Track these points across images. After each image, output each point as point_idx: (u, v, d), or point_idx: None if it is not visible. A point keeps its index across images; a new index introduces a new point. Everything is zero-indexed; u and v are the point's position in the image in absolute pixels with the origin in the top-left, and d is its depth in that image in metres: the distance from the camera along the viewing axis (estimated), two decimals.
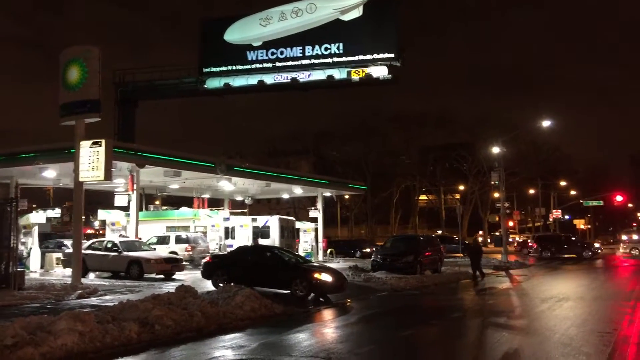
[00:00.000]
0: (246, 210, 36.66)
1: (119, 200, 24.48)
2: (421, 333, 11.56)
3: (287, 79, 34.53)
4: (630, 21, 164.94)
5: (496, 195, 55.17)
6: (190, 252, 25.62)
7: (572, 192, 76.68)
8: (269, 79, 34.89)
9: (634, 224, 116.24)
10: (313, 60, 34.29)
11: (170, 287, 15.57)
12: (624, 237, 56.88)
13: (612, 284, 22.57)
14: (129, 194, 23.35)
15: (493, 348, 9.56)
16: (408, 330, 11.61)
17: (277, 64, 34.71)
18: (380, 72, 32.94)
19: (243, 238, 30.14)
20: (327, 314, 13.87)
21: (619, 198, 61.30)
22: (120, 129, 34.97)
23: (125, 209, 25.74)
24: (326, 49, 34.00)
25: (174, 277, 20.79)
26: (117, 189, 25.19)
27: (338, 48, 33.79)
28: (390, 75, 32.96)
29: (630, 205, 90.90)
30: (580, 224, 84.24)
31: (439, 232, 62.95)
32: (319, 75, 34.12)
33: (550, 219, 68.58)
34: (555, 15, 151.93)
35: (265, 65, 34.82)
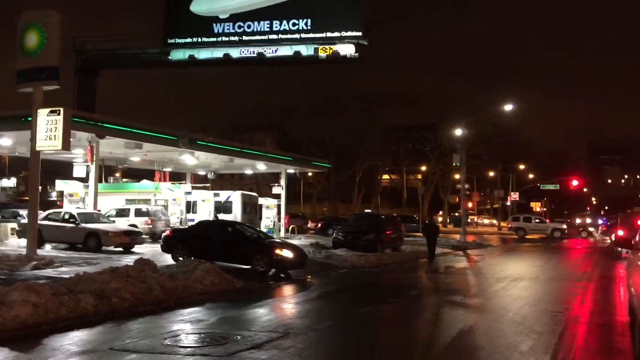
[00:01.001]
0: (209, 184, 36.35)
1: (78, 171, 23.96)
2: (379, 310, 11.74)
3: (253, 53, 34.11)
4: (595, 11, 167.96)
5: (457, 176, 56.09)
6: (151, 226, 25.31)
7: (531, 176, 78.49)
8: (235, 52, 34.39)
9: (589, 208, 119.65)
10: (280, 36, 33.92)
11: (128, 260, 15.37)
12: (578, 220, 59.01)
13: (565, 265, 23.30)
14: (88, 165, 22.85)
15: (448, 325, 9.77)
16: (366, 307, 11.77)
17: (244, 37, 34.20)
18: (347, 50, 32.82)
19: (205, 213, 29.91)
20: (288, 289, 13.95)
21: (574, 183, 62.92)
22: (80, 99, 34.04)
23: (84, 180, 25.22)
24: (294, 24, 33.65)
25: (133, 250, 20.50)
26: (76, 160, 24.63)
27: (306, 24, 33.47)
28: (357, 54, 32.89)
29: (585, 190, 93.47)
30: (536, 206, 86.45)
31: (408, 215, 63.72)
32: (286, 50, 33.81)
33: (509, 201, 70.08)
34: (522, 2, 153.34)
35: (232, 38, 34.28)
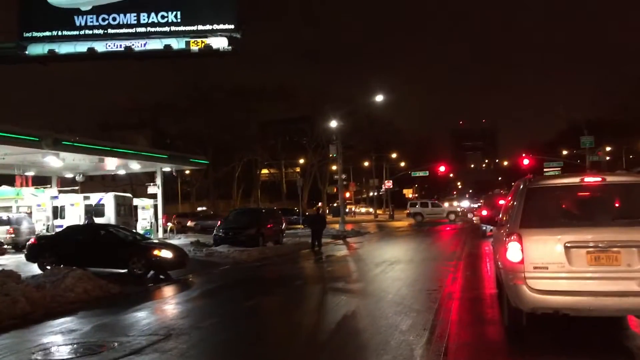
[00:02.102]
0: (77, 187, 34.25)
1: None
2: (264, 302, 11.69)
3: (120, 47, 32.25)
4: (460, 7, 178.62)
5: (334, 167, 57.43)
6: (13, 235, 23.41)
7: (402, 164, 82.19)
8: (100, 46, 32.33)
9: (454, 192, 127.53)
10: (149, 29, 32.40)
11: None
12: (446, 204, 62.73)
13: (437, 247, 24.62)
14: None
15: (333, 311, 9.94)
16: (251, 301, 11.67)
17: (109, 30, 32.29)
18: (220, 43, 32.03)
19: (74, 217, 28.11)
20: (168, 290, 13.48)
21: (442, 169, 66.80)
22: None
23: None
24: (163, 17, 32.28)
25: None
26: None
27: (176, 17, 32.25)
28: (230, 47, 32.18)
29: (451, 175, 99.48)
30: (408, 193, 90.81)
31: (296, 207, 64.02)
32: (155, 44, 32.35)
33: (383, 189, 72.90)
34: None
35: (96, 31, 32.22)
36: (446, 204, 63.11)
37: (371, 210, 77.43)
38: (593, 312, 6.62)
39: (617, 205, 7.30)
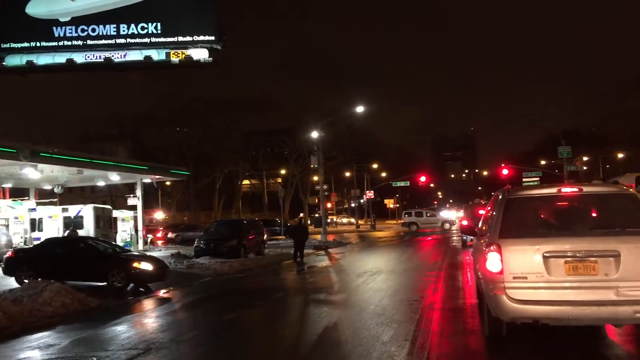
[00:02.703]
0: (56, 199, 33.82)
1: None
2: (245, 315, 11.62)
3: (100, 58, 32.02)
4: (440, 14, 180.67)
5: (315, 178, 57.40)
6: None
7: (383, 174, 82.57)
8: (79, 57, 31.97)
9: (435, 202, 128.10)
10: (129, 40, 32.16)
11: None
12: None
13: (418, 257, 24.69)
14: None
15: (315, 323, 9.91)
16: (232, 313, 11.60)
17: (89, 42, 31.96)
18: (201, 54, 31.88)
19: (53, 230, 27.76)
20: (148, 303, 13.34)
21: (422, 179, 67.21)
22: None
23: None
24: (143, 28, 32.12)
25: None
26: None
27: (156, 28, 32.07)
28: (211, 58, 32.06)
29: (432, 185, 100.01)
30: (390, 203, 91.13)
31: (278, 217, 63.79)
32: (135, 55, 32.10)
33: (364, 199, 73.06)
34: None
35: (75, 42, 31.87)
36: (441, 214, 63.29)
37: (353, 220, 77.52)
38: (572, 322, 6.69)
39: (594, 215, 7.41)
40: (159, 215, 54.60)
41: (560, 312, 6.57)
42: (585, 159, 58.81)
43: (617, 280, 6.49)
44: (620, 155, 63.56)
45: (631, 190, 7.66)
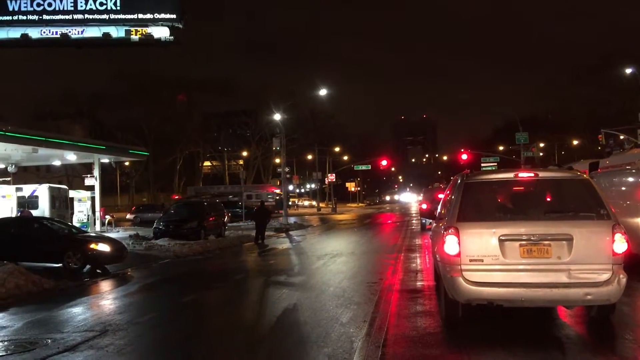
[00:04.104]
0: (9, 179, 32.83)
1: None
2: (204, 297, 11.57)
3: (56, 34, 31.18)
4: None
5: (277, 160, 57.25)
6: None
7: (345, 158, 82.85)
8: (34, 33, 31.05)
9: (396, 186, 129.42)
10: (87, 16, 31.37)
11: None
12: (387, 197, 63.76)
13: (378, 239, 24.95)
14: None
15: (274, 305, 9.93)
16: (191, 295, 11.53)
17: (45, 17, 31.04)
18: (161, 32, 31.41)
19: (6, 210, 26.92)
20: (105, 285, 13.14)
21: (384, 162, 67.78)
22: None
23: None
24: (101, 4, 31.34)
25: None
26: None
27: (115, 4, 31.34)
28: (172, 37, 31.59)
29: (393, 169, 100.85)
30: (351, 186, 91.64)
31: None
32: (93, 32, 31.37)
33: (326, 182, 73.29)
34: None
35: (31, 17, 30.91)
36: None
37: (314, 203, 77.75)
38: (525, 303, 6.88)
39: (548, 199, 7.59)
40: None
41: (514, 294, 6.74)
42: (541, 145, 60.09)
43: (569, 263, 6.69)
44: (575, 142, 65.34)
45: (585, 176, 7.87)
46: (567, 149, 68.99)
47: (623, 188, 13.07)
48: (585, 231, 6.80)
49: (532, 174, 7.51)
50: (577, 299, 6.75)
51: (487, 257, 6.83)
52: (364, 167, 72.29)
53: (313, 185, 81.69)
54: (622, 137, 39.35)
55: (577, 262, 6.68)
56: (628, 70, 40.30)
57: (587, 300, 6.74)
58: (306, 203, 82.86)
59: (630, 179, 12.81)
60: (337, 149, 79.93)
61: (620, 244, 6.70)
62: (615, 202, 11.18)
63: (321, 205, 74.86)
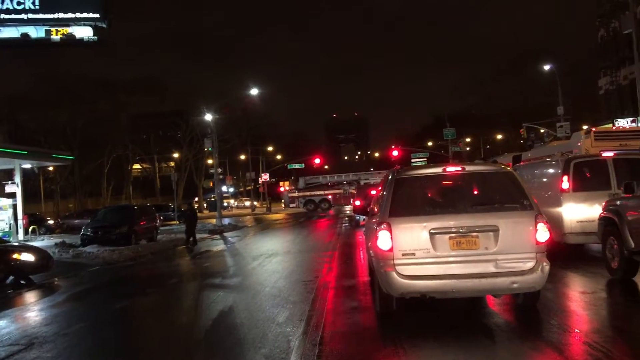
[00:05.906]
0: None
1: None
2: (137, 303, 11.26)
3: None
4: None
5: (210, 161, 56.50)
6: None
7: (279, 157, 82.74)
8: None
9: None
10: (3, 16, 29.93)
11: None
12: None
13: (313, 238, 25.06)
14: None
15: (209, 308, 9.78)
16: (122, 302, 11.20)
17: None
18: (84, 32, 30.38)
19: None
20: (30, 296, 12.56)
21: (317, 161, 68.13)
22: None
23: None
24: (19, 3, 29.96)
25: None
26: None
27: (34, 3, 30.04)
28: (95, 37, 30.63)
29: (326, 167, 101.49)
30: (285, 185, 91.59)
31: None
32: (11, 32, 29.95)
33: (260, 182, 72.97)
34: None
35: None
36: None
37: (247, 204, 77.21)
38: (456, 294, 7.08)
39: (475, 192, 7.84)
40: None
41: (446, 286, 6.93)
42: (468, 140, 62.21)
43: (496, 253, 6.93)
44: (499, 137, 67.92)
45: (508, 168, 8.18)
46: (492, 143, 71.63)
47: (544, 179, 13.68)
48: (510, 222, 7.06)
49: (460, 168, 7.73)
50: (504, 287, 7.01)
51: (418, 251, 6.99)
52: (297, 166, 72.37)
53: (249, 188, 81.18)
54: (542, 130, 41.31)
55: (503, 252, 6.93)
56: (546, 67, 42.29)
57: (513, 288, 7.01)
58: (247, 204, 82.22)
59: (551, 171, 13.42)
60: (270, 149, 79.68)
61: (543, 233, 7.01)
62: (537, 193, 11.70)
63: (256, 205, 74.44)
